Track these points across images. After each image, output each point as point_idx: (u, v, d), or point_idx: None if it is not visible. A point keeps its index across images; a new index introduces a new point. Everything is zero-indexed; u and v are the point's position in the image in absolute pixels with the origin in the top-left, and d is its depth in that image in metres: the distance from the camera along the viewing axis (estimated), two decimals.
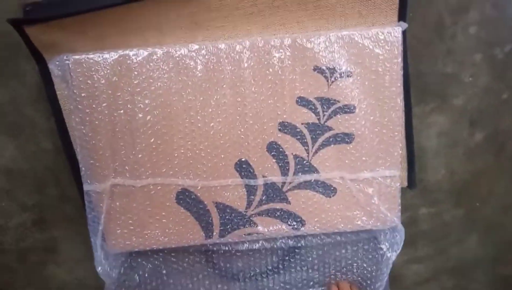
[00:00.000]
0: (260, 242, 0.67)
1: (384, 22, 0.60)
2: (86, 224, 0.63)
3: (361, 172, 0.62)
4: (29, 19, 0.56)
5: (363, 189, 0.63)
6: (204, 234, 0.64)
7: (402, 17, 0.60)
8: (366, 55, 0.58)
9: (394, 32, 0.58)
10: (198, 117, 0.60)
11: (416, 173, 0.66)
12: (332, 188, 0.63)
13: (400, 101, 0.60)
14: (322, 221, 0.64)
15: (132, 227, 0.64)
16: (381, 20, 0.60)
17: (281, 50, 0.59)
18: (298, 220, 0.64)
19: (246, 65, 0.59)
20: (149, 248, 0.65)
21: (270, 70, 0.59)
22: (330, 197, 0.63)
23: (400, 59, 0.58)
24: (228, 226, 0.64)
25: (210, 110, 0.60)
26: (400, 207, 0.64)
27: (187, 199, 0.63)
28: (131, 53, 0.58)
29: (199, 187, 0.62)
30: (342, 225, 0.64)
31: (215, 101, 0.60)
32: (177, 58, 0.58)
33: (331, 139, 0.61)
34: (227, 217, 0.63)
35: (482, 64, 0.66)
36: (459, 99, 0.67)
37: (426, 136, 0.69)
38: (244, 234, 0.64)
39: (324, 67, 0.59)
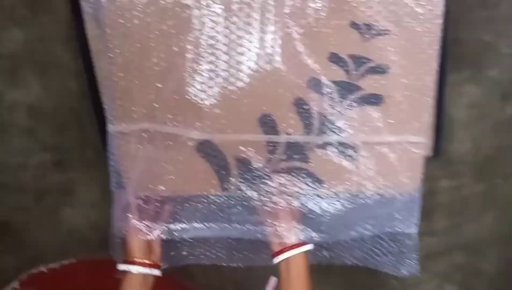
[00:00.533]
0: None
1: None
2: (104, 168, 0.63)
3: (386, 135, 0.61)
4: None
5: (386, 154, 0.61)
6: (220, 186, 0.63)
7: None
8: (406, 13, 0.57)
9: None
10: (228, 65, 0.59)
11: (442, 142, 0.65)
12: (354, 151, 0.60)
13: (435, 66, 0.59)
14: (340, 183, 0.62)
15: (152, 173, 0.64)
16: None
17: (317, 0, 0.58)
18: (317, 180, 0.62)
19: (281, 11, 0.57)
20: (166, 195, 0.65)
21: (305, 20, 0.57)
22: (351, 159, 0.61)
23: (440, 21, 0.57)
24: (246, 181, 0.62)
25: (240, 58, 0.58)
26: (421, 176, 0.63)
27: (208, 149, 0.61)
28: None
29: (220, 139, 0.61)
30: (360, 188, 0.61)
31: (245, 48, 0.58)
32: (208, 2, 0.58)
33: (359, 100, 0.59)
34: (245, 171, 0.62)
35: None
36: (494, 70, 0.66)
37: (455, 106, 0.68)
38: (261, 191, 0.63)
39: (360, 23, 0.57)
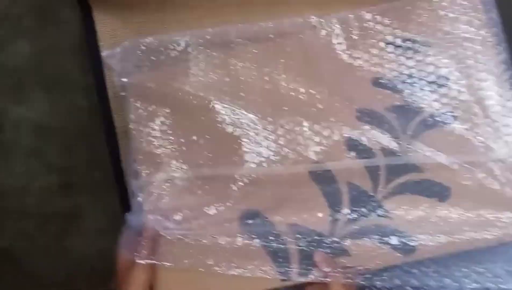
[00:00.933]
0: None
1: None
2: (113, 192, 0.57)
3: (477, 156, 0.48)
4: None
5: (487, 178, 0.47)
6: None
7: None
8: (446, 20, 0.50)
9: None
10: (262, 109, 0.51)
11: None
12: (443, 187, 0.48)
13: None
14: (436, 238, 0.46)
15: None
16: None
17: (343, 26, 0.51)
18: (405, 239, 0.46)
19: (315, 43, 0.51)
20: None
21: (338, 48, 0.51)
22: (443, 200, 0.47)
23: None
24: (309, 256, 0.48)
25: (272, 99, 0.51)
26: None
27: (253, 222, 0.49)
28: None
29: (267, 205, 0.49)
30: (467, 238, 0.46)
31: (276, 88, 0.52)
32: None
33: (426, 122, 0.49)
34: (306, 244, 0.47)
35: None
36: None
37: None
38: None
39: (399, 41, 0.51)
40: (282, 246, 0.46)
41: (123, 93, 0.53)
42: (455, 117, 0.50)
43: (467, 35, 0.51)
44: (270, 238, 0.47)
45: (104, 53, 0.55)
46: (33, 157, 0.68)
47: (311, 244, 0.46)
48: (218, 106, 0.50)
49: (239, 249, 0.46)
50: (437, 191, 0.48)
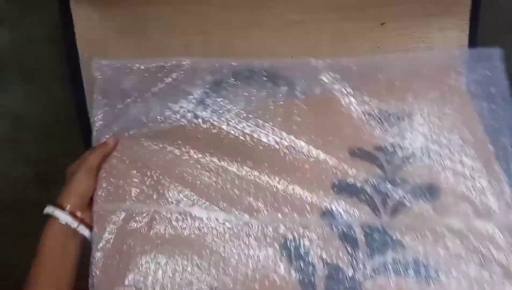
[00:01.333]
0: None
1: None
2: None
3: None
4: None
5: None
6: None
7: None
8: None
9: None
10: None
11: None
12: (429, 267, 0.42)
13: (479, 130, 0.48)
14: None
15: None
16: None
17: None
18: None
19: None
20: None
21: (318, 120, 0.50)
22: (430, 281, 0.41)
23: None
24: None
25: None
26: None
27: None
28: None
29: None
30: None
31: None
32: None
33: (408, 196, 0.45)
34: None
35: None
36: None
37: None
38: None
39: (375, 111, 0.49)
40: None
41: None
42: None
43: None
44: None
45: (95, 64, 0.54)
46: (9, 148, 0.69)
47: None
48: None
49: None
50: (421, 271, 0.42)
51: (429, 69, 0.51)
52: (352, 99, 0.50)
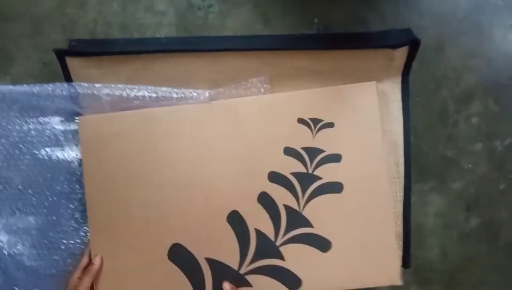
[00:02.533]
0: None
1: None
2: None
3: (354, 223, 0.62)
4: (72, 51, 0.62)
5: (360, 241, 0.62)
6: None
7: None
8: (347, 107, 0.63)
9: (369, 87, 0.62)
10: (191, 169, 0.62)
11: (411, 254, 0.66)
12: (327, 242, 0.61)
13: (381, 153, 0.62)
14: (319, 279, 0.61)
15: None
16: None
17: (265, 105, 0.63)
18: (294, 279, 0.61)
19: (237, 119, 0.63)
20: None
21: (257, 123, 0.63)
22: (326, 251, 0.61)
23: (377, 112, 0.62)
24: (220, 285, 0.61)
25: (203, 162, 0.62)
26: (400, 262, 0.63)
27: (179, 254, 0.61)
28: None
29: (191, 241, 0.62)
30: (340, 282, 0.61)
31: (207, 154, 0.63)
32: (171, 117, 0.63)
33: (321, 189, 0.62)
34: (219, 274, 0.61)
35: (482, 154, 0.69)
36: (457, 184, 0.70)
37: (423, 214, 0.71)
38: None
39: (307, 119, 0.63)
40: (199, 274, 0.61)
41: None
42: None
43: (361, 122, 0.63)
44: (192, 268, 0.61)
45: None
46: None
47: (222, 275, 0.61)
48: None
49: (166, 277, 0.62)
50: (320, 243, 0.62)
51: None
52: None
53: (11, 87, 0.59)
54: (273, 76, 0.64)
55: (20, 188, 0.61)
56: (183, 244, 0.61)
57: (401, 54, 0.62)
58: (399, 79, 0.64)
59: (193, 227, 0.62)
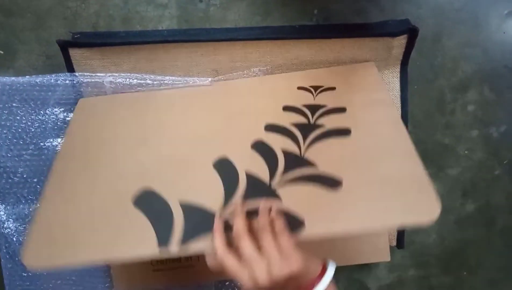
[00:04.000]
0: None
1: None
2: None
3: (369, 159, 0.50)
4: (76, 42, 0.62)
5: (380, 177, 0.48)
6: (158, 241, 0.47)
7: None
8: (349, 75, 0.63)
9: (368, 66, 0.64)
10: (180, 114, 0.62)
11: (405, 234, 0.68)
12: (335, 180, 0.49)
13: (390, 101, 0.58)
14: (325, 219, 0.46)
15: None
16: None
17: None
18: (295, 220, 0.46)
19: (237, 93, 0.64)
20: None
21: (257, 94, 0.63)
22: (335, 188, 0.48)
23: (379, 76, 0.62)
24: (194, 232, 0.47)
25: (193, 115, 0.62)
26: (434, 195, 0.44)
27: (148, 200, 0.51)
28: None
29: (166, 186, 0.52)
30: (350, 224, 0.45)
31: (200, 114, 0.62)
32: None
33: (325, 134, 0.55)
34: (194, 223, 0.48)
35: (478, 140, 0.71)
36: (454, 170, 0.72)
37: None
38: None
39: (308, 86, 0.63)
40: (167, 222, 0.48)
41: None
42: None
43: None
44: (159, 216, 0.49)
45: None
46: None
47: (198, 223, 0.48)
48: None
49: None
50: (327, 181, 0.49)
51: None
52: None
53: (13, 78, 0.60)
54: (273, 66, 0.65)
55: (25, 176, 0.63)
56: (156, 190, 0.52)
57: (399, 43, 0.63)
58: (397, 69, 0.66)
59: (169, 171, 0.54)
